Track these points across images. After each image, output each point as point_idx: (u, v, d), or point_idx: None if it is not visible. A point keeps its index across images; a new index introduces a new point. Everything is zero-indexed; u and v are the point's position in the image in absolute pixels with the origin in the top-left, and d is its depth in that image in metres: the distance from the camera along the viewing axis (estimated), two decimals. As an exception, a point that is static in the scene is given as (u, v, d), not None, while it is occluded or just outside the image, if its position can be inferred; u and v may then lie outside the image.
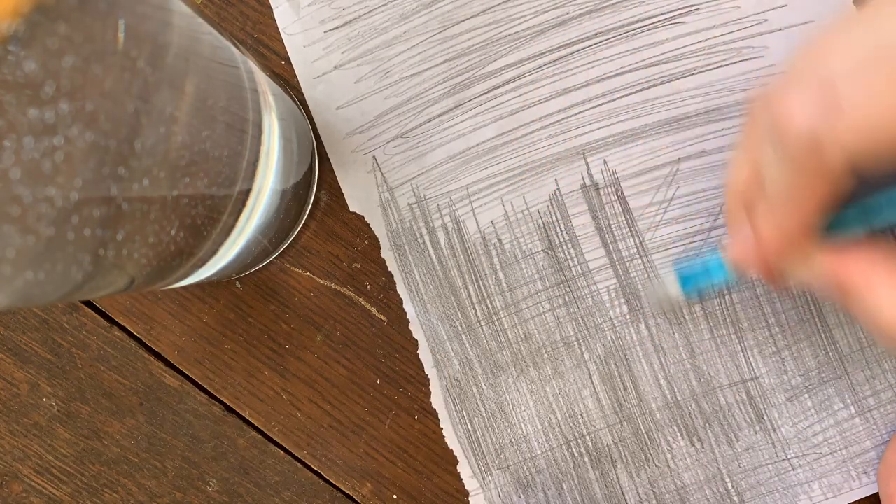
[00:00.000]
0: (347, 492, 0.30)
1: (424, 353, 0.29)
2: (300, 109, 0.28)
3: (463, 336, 0.29)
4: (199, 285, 0.29)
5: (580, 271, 0.28)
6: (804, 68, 0.18)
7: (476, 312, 0.29)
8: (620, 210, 0.28)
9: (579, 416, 0.29)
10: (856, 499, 0.29)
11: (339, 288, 0.29)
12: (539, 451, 0.29)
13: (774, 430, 0.28)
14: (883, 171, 0.18)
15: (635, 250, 0.28)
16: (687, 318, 0.28)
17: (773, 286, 0.28)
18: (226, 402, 0.30)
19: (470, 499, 0.29)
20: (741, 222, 0.23)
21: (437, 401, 0.29)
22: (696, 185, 0.28)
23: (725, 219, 0.24)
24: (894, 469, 0.25)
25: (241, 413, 0.30)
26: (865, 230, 0.21)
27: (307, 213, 0.28)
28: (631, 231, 0.28)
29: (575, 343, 0.29)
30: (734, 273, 0.24)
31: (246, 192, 0.22)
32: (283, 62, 0.28)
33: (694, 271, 0.26)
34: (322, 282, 0.29)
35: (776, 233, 0.21)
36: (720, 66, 0.28)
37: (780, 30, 0.28)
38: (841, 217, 0.21)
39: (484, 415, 0.29)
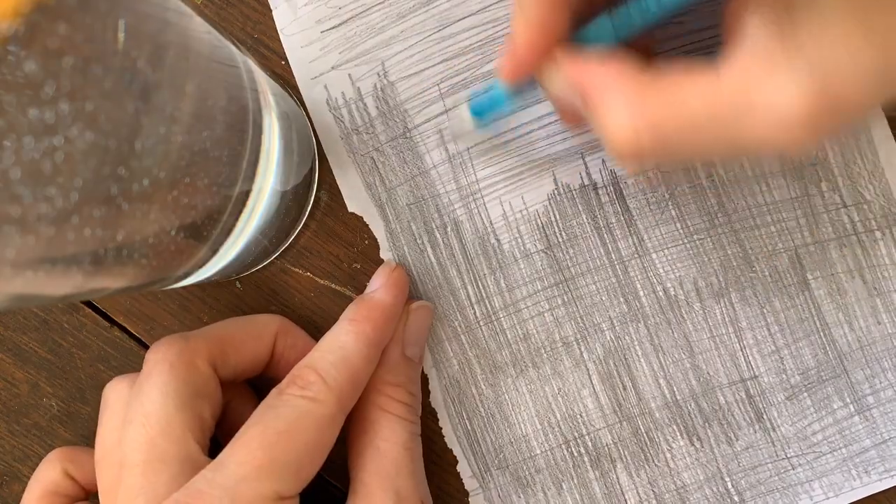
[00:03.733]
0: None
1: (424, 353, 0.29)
2: (300, 109, 0.28)
3: (462, 336, 0.29)
4: (200, 285, 0.29)
5: (579, 271, 0.28)
6: None
7: (475, 313, 0.29)
8: (619, 210, 0.28)
9: (579, 416, 0.29)
10: (857, 498, 0.29)
11: (339, 288, 0.29)
12: (538, 451, 0.29)
13: (774, 429, 0.28)
14: None
15: (634, 250, 0.28)
16: (686, 317, 0.28)
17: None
18: (226, 402, 0.30)
19: (470, 499, 0.29)
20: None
21: (436, 401, 0.29)
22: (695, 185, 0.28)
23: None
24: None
25: (240, 413, 0.30)
26: (615, 41, 0.21)
27: (307, 213, 0.28)
28: (630, 231, 0.28)
29: (574, 343, 0.29)
30: (506, 90, 0.24)
31: (246, 193, 0.22)
32: (283, 62, 0.28)
33: (483, 101, 0.26)
34: (322, 282, 0.29)
35: (525, 30, 0.21)
36: (719, 66, 0.28)
37: (779, 29, 0.28)
38: (592, 27, 0.21)
39: (483, 415, 0.29)
